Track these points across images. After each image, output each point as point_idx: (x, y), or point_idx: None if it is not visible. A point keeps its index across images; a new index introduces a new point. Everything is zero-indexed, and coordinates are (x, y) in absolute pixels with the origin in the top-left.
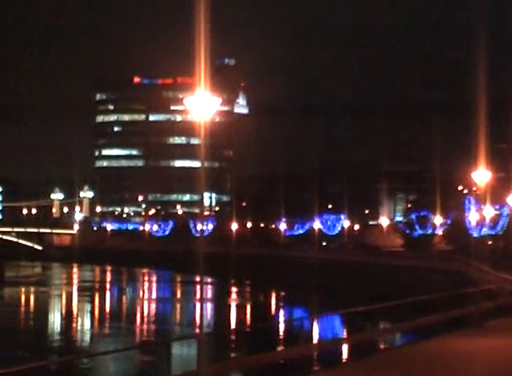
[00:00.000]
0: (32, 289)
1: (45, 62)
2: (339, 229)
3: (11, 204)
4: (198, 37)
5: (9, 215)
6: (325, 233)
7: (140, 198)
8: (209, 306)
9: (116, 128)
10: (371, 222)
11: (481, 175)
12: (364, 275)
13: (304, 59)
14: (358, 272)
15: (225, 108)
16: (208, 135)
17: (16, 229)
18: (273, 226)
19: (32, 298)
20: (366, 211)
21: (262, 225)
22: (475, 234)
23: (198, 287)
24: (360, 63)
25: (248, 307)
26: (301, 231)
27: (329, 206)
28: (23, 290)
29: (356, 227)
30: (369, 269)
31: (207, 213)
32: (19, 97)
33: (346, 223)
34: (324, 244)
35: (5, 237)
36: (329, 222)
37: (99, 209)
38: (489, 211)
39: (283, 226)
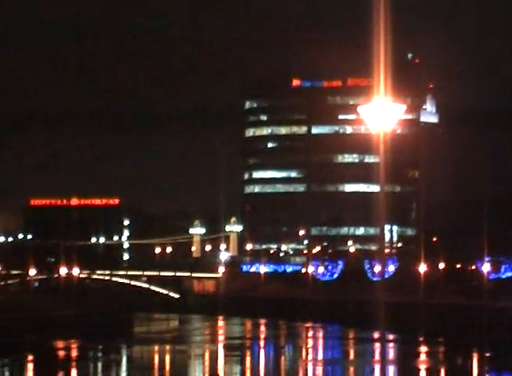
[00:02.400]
0: (167, 347)
1: (177, 62)
2: None
3: (141, 242)
4: (376, 28)
5: (138, 256)
6: None
7: (301, 232)
8: (391, 370)
9: (270, 144)
10: None
11: None
12: None
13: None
14: None
15: (409, 116)
16: (388, 150)
17: (147, 273)
18: (473, 267)
19: (167, 358)
20: None
21: (459, 266)
22: None
23: (377, 345)
24: None
25: (442, 372)
26: (510, 273)
27: None
28: (156, 348)
29: None
30: None
31: (387, 251)
32: (149, 105)
33: None
34: None
35: (133, 283)
36: None
37: (249, 247)
38: None
39: (486, 267)
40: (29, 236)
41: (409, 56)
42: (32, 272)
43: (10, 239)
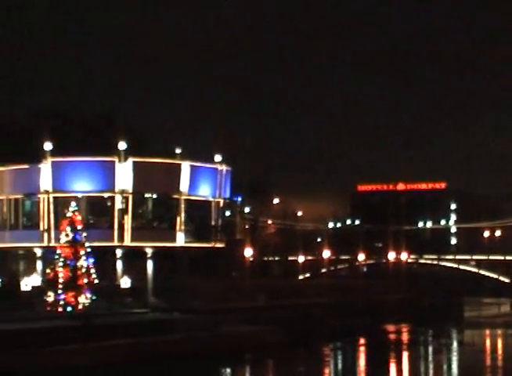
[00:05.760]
0: (499, 332)
1: None
2: None
3: (468, 225)
4: None
5: (466, 239)
6: None
7: None
8: None
9: None
10: None
11: None
12: None
13: None
14: None
15: None
16: None
17: (475, 257)
18: None
19: (499, 342)
20: None
21: None
22: None
23: None
24: None
25: None
26: None
27: None
28: (487, 332)
29: None
30: None
31: None
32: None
33: None
34: None
35: (462, 267)
36: None
37: None
38: None
39: None
40: (356, 222)
41: None
42: (361, 257)
43: (339, 224)
